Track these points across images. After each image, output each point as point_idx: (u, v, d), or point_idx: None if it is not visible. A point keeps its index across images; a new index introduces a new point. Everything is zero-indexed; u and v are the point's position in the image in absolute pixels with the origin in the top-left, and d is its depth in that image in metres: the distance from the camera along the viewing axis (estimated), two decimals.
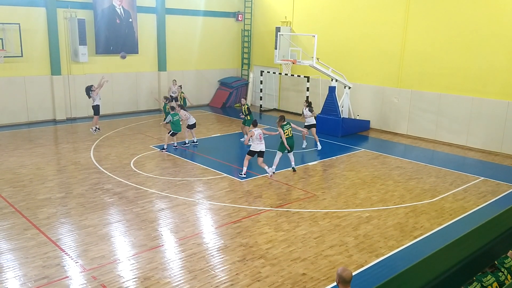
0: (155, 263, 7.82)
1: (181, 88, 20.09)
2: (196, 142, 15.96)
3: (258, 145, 12.37)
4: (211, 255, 8.16)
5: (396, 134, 18.58)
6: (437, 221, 9.98)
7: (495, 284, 4.95)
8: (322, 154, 15.38)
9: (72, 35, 18.83)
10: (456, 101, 16.76)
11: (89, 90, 16.15)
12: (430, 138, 17.71)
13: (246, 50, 24.75)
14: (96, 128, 16.65)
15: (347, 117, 18.90)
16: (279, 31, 20.58)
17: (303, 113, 16.01)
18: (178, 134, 15.26)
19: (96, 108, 16.41)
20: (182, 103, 18.50)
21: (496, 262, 5.17)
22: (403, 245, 8.81)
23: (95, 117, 16.57)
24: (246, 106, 16.26)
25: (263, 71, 23.03)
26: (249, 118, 15.93)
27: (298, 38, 21.22)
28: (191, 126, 15.62)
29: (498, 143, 15.95)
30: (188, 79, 23.26)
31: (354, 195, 11.50)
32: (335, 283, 7.24)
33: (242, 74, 25.14)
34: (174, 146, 15.32)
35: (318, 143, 15.88)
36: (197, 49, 23.26)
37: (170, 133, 15.01)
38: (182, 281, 7.28)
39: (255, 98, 24.45)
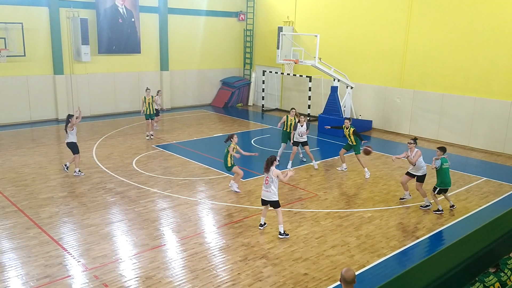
0: (157, 262, 7.82)
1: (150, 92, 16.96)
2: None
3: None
4: (213, 255, 8.17)
5: (398, 134, 18.55)
6: (439, 222, 9.96)
7: (497, 284, 4.94)
8: (324, 154, 15.37)
9: (75, 35, 18.86)
10: (458, 101, 16.72)
11: (67, 121, 12.15)
12: (432, 138, 17.68)
13: (248, 50, 24.74)
14: (79, 170, 12.41)
15: (349, 117, 18.88)
16: (281, 31, 20.59)
17: (295, 129, 13.26)
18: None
19: (72, 146, 12.30)
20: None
21: (499, 262, 5.16)
22: (405, 245, 8.80)
23: (76, 156, 12.32)
24: (353, 130, 12.99)
25: (265, 71, 23.02)
26: (355, 143, 13.00)
27: (300, 38, 21.20)
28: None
29: (500, 143, 15.91)
30: (190, 78, 23.28)
31: (356, 195, 11.48)
32: (337, 283, 7.25)
33: (244, 74, 25.13)
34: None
35: (314, 161, 13.69)
36: (199, 49, 23.27)
37: None
38: (183, 281, 7.28)
39: (257, 98, 24.45)
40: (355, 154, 13.13)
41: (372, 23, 19.00)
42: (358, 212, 10.34)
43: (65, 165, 12.61)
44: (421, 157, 10.42)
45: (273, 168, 8.84)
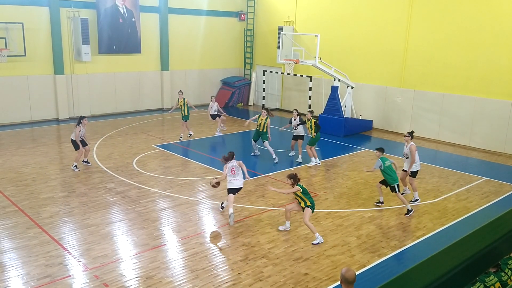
0: (157, 262, 7.83)
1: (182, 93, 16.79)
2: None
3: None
4: (213, 255, 8.17)
5: (398, 134, 18.53)
6: (440, 221, 9.96)
7: (497, 284, 4.93)
8: (325, 154, 15.37)
9: (75, 35, 18.87)
10: (459, 101, 16.72)
11: (79, 121, 12.82)
12: (433, 138, 17.67)
13: (248, 49, 24.74)
14: (76, 165, 12.74)
15: (349, 117, 18.88)
16: (282, 31, 20.58)
17: (290, 122, 14.18)
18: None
19: (72, 142, 12.87)
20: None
21: (500, 262, 5.16)
22: (406, 245, 8.80)
23: (78, 151, 12.76)
24: (314, 121, 13.63)
25: (266, 71, 23.02)
26: (314, 136, 13.67)
27: (300, 38, 21.20)
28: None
29: (501, 143, 15.90)
30: (191, 78, 23.28)
31: (356, 195, 11.48)
32: (337, 283, 7.24)
33: (244, 74, 25.13)
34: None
35: (300, 155, 14.11)
36: (199, 49, 23.27)
37: None
38: (184, 280, 7.28)
39: (258, 98, 24.45)
40: (308, 144, 13.68)
41: (372, 23, 18.99)
42: (359, 212, 10.34)
43: (83, 161, 13.10)
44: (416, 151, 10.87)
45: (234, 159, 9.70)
